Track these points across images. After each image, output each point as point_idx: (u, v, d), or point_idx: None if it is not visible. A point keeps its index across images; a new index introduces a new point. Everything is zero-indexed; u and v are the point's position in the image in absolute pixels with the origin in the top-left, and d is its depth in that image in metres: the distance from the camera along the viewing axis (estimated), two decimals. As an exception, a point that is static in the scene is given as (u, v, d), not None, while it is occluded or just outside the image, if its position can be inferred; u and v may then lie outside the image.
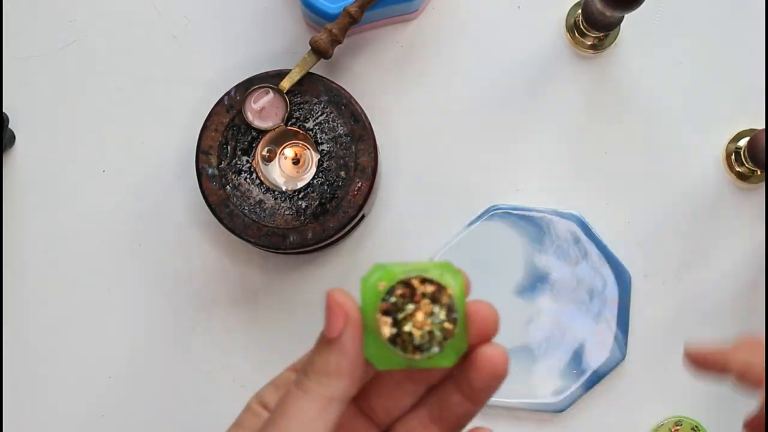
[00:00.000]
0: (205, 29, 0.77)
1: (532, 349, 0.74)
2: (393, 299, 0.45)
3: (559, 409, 0.73)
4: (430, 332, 0.45)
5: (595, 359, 0.73)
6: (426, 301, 0.45)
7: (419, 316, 0.45)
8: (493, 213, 0.74)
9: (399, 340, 0.45)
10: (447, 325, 0.45)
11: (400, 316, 0.45)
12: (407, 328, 0.45)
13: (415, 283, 0.45)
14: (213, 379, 0.75)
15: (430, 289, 0.45)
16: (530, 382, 0.73)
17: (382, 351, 0.46)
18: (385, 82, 0.76)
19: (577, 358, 0.73)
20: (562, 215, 0.74)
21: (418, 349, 0.45)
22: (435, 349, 0.45)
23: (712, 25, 0.76)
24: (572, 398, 0.73)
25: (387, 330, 0.45)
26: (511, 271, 0.74)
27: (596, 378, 0.73)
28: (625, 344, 0.73)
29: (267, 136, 0.70)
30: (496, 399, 0.72)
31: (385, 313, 0.45)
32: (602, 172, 0.76)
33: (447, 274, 0.46)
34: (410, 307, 0.45)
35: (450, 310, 0.45)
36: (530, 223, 0.74)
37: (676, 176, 0.76)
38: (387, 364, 0.46)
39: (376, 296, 0.46)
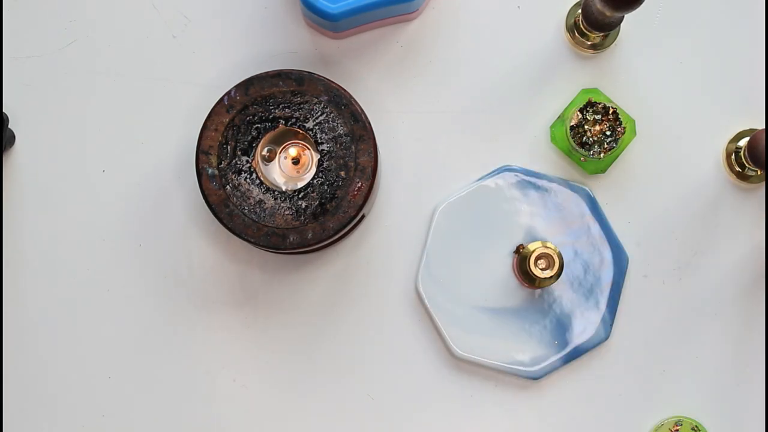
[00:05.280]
0: (205, 29, 0.77)
1: (518, 312, 0.74)
2: (590, 108, 0.71)
3: (534, 377, 0.73)
4: (598, 141, 0.71)
5: (578, 335, 0.74)
6: (608, 124, 0.71)
7: (597, 127, 0.71)
8: (503, 172, 0.74)
9: (576, 132, 0.71)
10: (606, 146, 0.71)
11: (587, 122, 0.70)
12: (588, 126, 0.71)
13: (611, 111, 0.71)
14: (213, 379, 0.75)
15: (615, 121, 0.71)
16: (511, 346, 0.74)
17: (561, 134, 0.73)
18: (385, 82, 0.76)
19: (561, 329, 0.74)
20: (572, 188, 0.74)
21: (582, 145, 0.71)
22: (590, 152, 0.71)
23: (712, 25, 0.76)
24: (550, 368, 0.74)
25: (575, 119, 0.71)
26: (511, 232, 0.74)
27: (576, 353, 0.74)
28: (611, 326, 0.74)
29: (267, 136, 0.70)
30: (475, 357, 0.73)
31: (581, 111, 0.71)
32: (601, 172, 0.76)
33: (630, 124, 0.73)
34: (597, 118, 0.71)
35: (615, 141, 0.71)
36: (538, 190, 0.74)
37: (676, 176, 0.76)
38: (558, 144, 0.74)
39: (583, 101, 0.71)
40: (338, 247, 0.76)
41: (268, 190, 0.69)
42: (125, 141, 0.76)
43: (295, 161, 0.72)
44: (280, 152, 0.72)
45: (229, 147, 0.69)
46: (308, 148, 0.72)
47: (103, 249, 0.76)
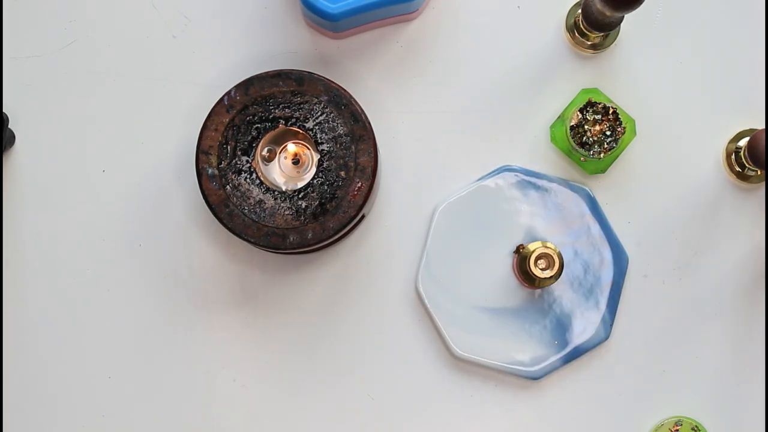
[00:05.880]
0: (205, 29, 0.77)
1: (518, 312, 0.74)
2: (590, 108, 0.71)
3: (534, 377, 0.73)
4: (598, 141, 0.71)
5: (578, 335, 0.74)
6: (608, 124, 0.71)
7: (597, 127, 0.71)
8: (503, 172, 0.74)
9: (576, 132, 0.71)
10: (606, 146, 0.71)
11: (587, 122, 0.70)
12: (588, 126, 0.71)
13: (611, 111, 0.71)
14: (213, 379, 0.75)
15: (615, 121, 0.71)
16: (511, 346, 0.74)
17: (561, 134, 0.73)
18: (385, 82, 0.76)
19: (561, 329, 0.74)
20: (572, 188, 0.74)
21: (582, 145, 0.71)
22: (590, 152, 0.71)
23: (712, 25, 0.76)
24: (550, 368, 0.74)
25: (575, 119, 0.71)
26: (511, 232, 0.74)
27: (576, 353, 0.74)
28: (611, 326, 0.74)
29: (267, 136, 0.70)
30: (475, 357, 0.73)
31: (581, 111, 0.71)
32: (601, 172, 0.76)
33: (630, 124, 0.73)
34: (597, 118, 0.71)
35: (615, 141, 0.71)
36: (538, 190, 0.74)
37: (676, 176, 0.76)
38: (558, 144, 0.74)
39: (583, 101, 0.71)
40: (338, 247, 0.76)
41: (268, 190, 0.69)
42: (125, 141, 0.76)
43: (296, 161, 0.72)
44: (280, 152, 0.72)
45: (229, 147, 0.69)
46: (308, 148, 0.72)
47: (103, 249, 0.76)
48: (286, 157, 0.72)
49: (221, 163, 0.69)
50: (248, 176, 0.69)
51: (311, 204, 0.69)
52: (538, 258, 0.70)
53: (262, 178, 0.70)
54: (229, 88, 0.70)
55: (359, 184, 0.69)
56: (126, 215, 0.76)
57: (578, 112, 0.71)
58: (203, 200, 0.69)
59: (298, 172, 0.72)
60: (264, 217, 0.69)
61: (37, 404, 0.75)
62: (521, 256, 0.72)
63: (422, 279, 0.74)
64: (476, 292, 0.74)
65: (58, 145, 0.76)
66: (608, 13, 0.68)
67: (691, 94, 0.76)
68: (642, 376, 0.75)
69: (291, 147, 0.72)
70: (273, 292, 0.76)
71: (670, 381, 0.75)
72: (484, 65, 0.76)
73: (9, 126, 0.76)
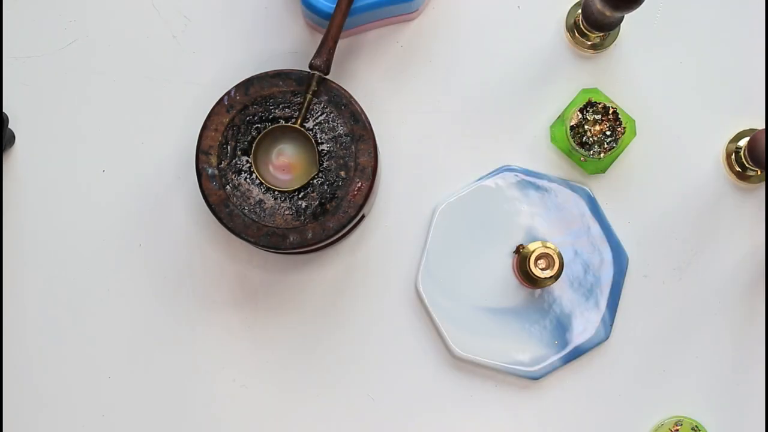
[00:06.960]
0: (205, 29, 0.77)
1: (518, 312, 0.74)
2: (590, 108, 0.71)
3: (535, 377, 0.73)
4: (598, 141, 0.71)
5: (578, 334, 0.74)
6: (608, 124, 0.71)
7: (597, 127, 0.71)
8: (503, 172, 0.75)
9: (576, 132, 0.71)
10: (606, 146, 0.71)
11: (587, 122, 0.71)
12: (588, 126, 0.71)
13: (611, 111, 0.71)
14: (213, 379, 0.75)
15: (615, 121, 0.71)
16: (511, 346, 0.74)
17: (561, 134, 0.73)
18: (385, 82, 0.76)
19: (561, 329, 0.74)
20: (572, 188, 0.74)
21: (582, 145, 0.71)
22: (590, 152, 0.71)
23: (712, 25, 0.76)
24: (550, 368, 0.74)
25: (575, 119, 0.71)
26: (511, 232, 0.74)
27: (576, 353, 0.74)
28: (611, 326, 0.74)
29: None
30: (475, 357, 0.73)
31: (581, 111, 0.71)
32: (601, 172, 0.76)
33: (630, 124, 0.73)
34: (597, 118, 0.71)
35: (615, 141, 0.71)
36: (538, 190, 0.74)
37: (676, 176, 0.76)
38: (558, 144, 0.74)
39: (583, 101, 0.71)
40: (338, 247, 0.76)
41: (268, 190, 0.69)
42: (125, 141, 0.76)
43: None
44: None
45: (229, 147, 0.69)
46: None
47: (104, 249, 0.76)
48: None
49: (221, 163, 0.69)
50: (248, 176, 0.69)
51: (311, 204, 0.69)
52: (538, 258, 0.70)
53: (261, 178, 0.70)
54: (229, 88, 0.70)
55: (359, 184, 0.69)
56: (126, 215, 0.76)
57: (578, 112, 0.71)
58: (203, 200, 0.69)
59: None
60: (264, 217, 0.69)
61: (37, 404, 0.75)
62: (521, 256, 0.72)
63: (422, 279, 0.74)
64: (476, 292, 0.74)
65: (58, 145, 0.76)
66: (608, 13, 0.68)
67: (691, 94, 0.76)
68: (642, 376, 0.75)
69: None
70: (273, 292, 0.76)
71: (670, 381, 0.75)
72: (484, 65, 0.76)
73: (9, 126, 0.76)
